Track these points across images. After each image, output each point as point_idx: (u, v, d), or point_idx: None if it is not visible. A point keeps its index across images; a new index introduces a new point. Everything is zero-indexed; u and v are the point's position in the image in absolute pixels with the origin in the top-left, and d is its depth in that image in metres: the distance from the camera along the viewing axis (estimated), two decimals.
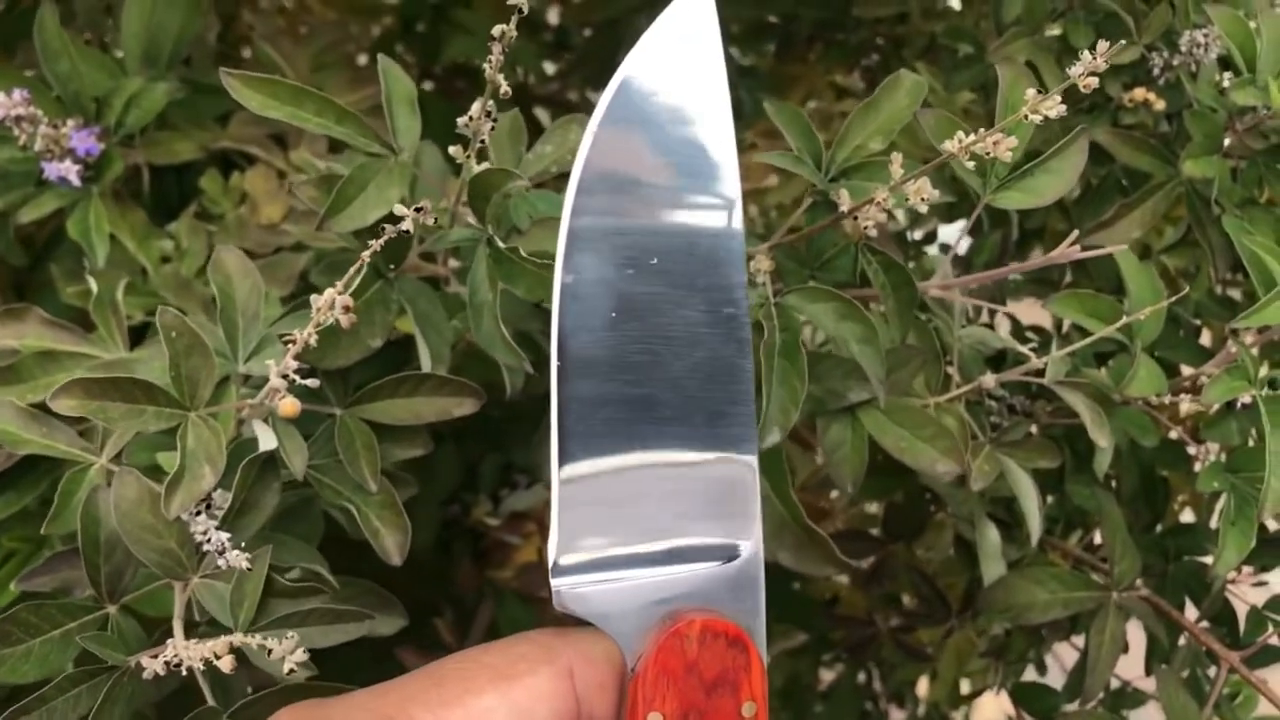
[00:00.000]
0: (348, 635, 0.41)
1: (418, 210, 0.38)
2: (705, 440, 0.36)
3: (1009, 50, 0.60)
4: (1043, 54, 0.61)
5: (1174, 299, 0.52)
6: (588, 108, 0.99)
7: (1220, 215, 0.55)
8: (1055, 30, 0.63)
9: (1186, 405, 0.52)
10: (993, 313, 0.68)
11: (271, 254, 0.58)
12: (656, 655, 0.34)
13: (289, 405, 0.41)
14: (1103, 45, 0.38)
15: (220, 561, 0.40)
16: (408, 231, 0.38)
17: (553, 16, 1.03)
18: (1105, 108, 0.61)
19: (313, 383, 0.41)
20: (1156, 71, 0.59)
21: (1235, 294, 0.69)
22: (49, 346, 0.50)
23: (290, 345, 0.39)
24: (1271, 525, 0.51)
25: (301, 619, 0.40)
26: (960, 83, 0.66)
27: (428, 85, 0.93)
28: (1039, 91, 0.41)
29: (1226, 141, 0.56)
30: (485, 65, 0.40)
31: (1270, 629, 0.59)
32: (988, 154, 0.41)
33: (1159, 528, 0.65)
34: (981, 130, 0.41)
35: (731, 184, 0.36)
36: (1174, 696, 0.56)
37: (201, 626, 0.43)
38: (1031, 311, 0.66)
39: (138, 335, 0.54)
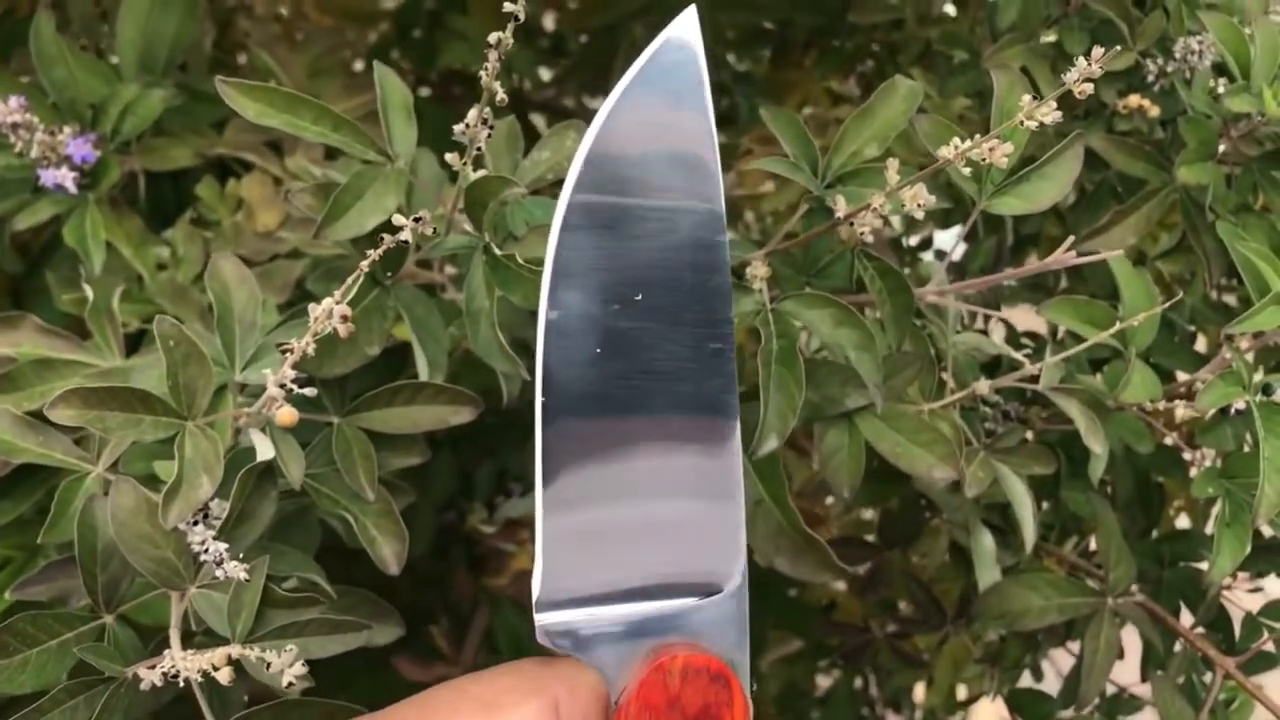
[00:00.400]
0: (345, 646, 0.41)
1: (416, 220, 0.38)
2: (690, 476, 0.37)
3: (1004, 56, 0.61)
4: (1038, 60, 0.61)
5: (1168, 305, 0.52)
6: (584, 113, 0.99)
7: (1215, 221, 0.55)
8: (1050, 37, 0.64)
9: (1181, 411, 0.53)
10: (987, 318, 0.68)
11: (268, 261, 0.58)
12: (639, 690, 0.35)
13: (286, 414, 0.41)
14: (1097, 51, 0.38)
15: (218, 571, 0.40)
16: (406, 240, 0.38)
17: (549, 22, 1.03)
18: (1100, 114, 0.61)
19: (310, 391, 0.41)
20: (1151, 78, 0.59)
21: (1230, 299, 0.69)
22: (45, 354, 0.50)
23: (288, 354, 0.39)
24: (1266, 531, 0.51)
25: (299, 629, 0.40)
26: (955, 89, 0.66)
27: (423, 91, 0.94)
28: (1034, 98, 0.41)
29: (1221, 148, 0.56)
30: (482, 73, 0.40)
31: (1266, 635, 0.59)
32: (983, 160, 0.41)
33: (1154, 533, 0.65)
34: (977, 136, 0.41)
35: (717, 220, 0.36)
36: (1170, 702, 0.56)
37: (198, 636, 0.42)
38: (1026, 317, 0.67)
39: (134, 343, 0.54)
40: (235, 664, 0.38)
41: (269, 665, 0.37)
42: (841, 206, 0.46)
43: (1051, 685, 0.72)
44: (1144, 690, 0.65)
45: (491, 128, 0.42)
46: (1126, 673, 0.65)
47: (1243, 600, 0.65)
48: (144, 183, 0.62)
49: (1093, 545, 0.68)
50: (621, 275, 0.36)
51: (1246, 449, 0.55)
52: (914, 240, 0.86)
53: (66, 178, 0.56)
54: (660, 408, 0.36)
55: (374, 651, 0.47)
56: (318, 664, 0.41)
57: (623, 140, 0.36)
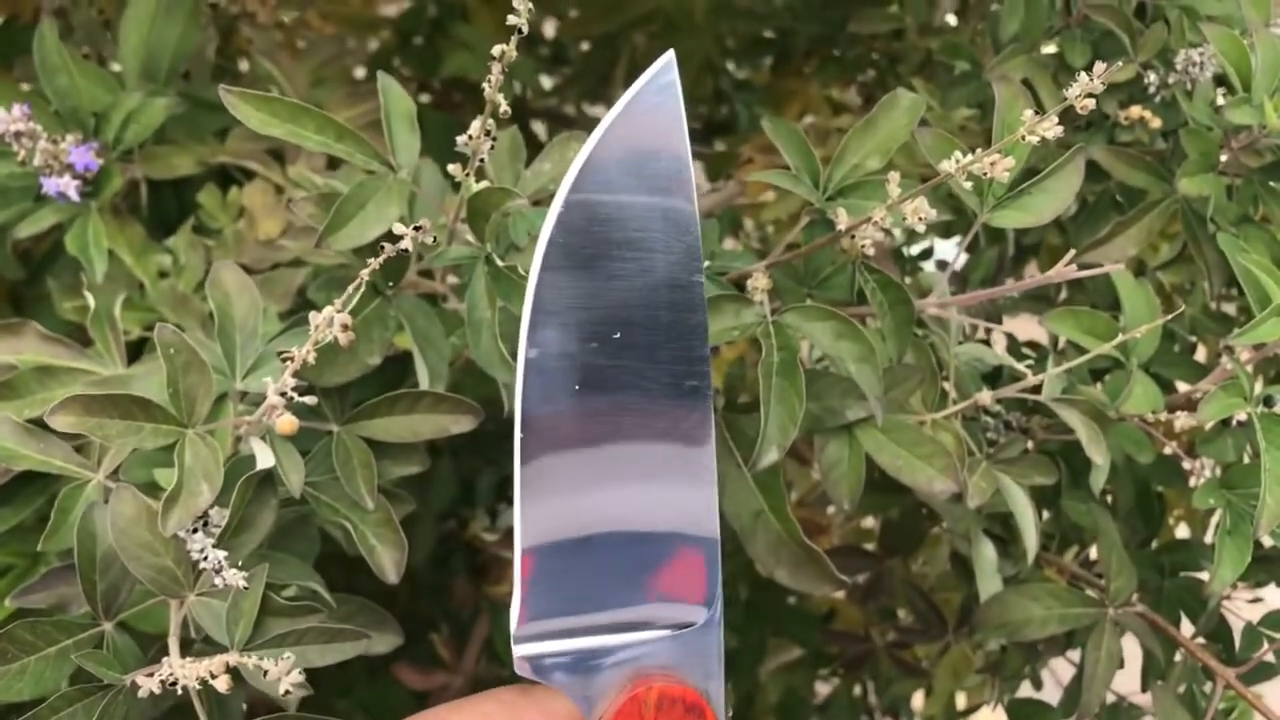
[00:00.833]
0: (344, 654, 0.41)
1: (417, 230, 0.38)
2: (667, 510, 0.37)
3: (1006, 68, 0.61)
4: (1039, 71, 0.61)
5: (1170, 317, 0.52)
6: (584, 121, 0.99)
7: (1216, 233, 0.55)
8: (1051, 48, 0.64)
9: (1181, 421, 0.53)
10: (989, 329, 0.68)
11: (269, 269, 0.58)
12: None
13: (287, 422, 0.41)
14: (1100, 66, 0.38)
15: (217, 579, 0.40)
16: (407, 250, 0.38)
17: (549, 30, 1.03)
18: (1102, 125, 0.61)
19: (310, 400, 0.41)
20: (1153, 89, 0.59)
21: (1229, 309, 0.69)
22: (46, 362, 0.50)
23: (289, 362, 0.39)
24: (1267, 542, 0.51)
25: (298, 637, 0.40)
26: (957, 100, 0.66)
27: (424, 98, 0.94)
28: (1036, 110, 0.41)
29: (1222, 159, 0.56)
30: (485, 85, 0.40)
31: (1266, 645, 0.59)
32: (985, 175, 0.41)
33: (1154, 544, 0.65)
34: (979, 150, 0.41)
35: (695, 260, 0.37)
36: (1170, 712, 0.56)
37: (197, 644, 0.42)
38: (1027, 327, 0.67)
39: (135, 351, 0.54)
40: (234, 672, 0.38)
41: (267, 673, 0.37)
42: (843, 219, 0.46)
43: (1050, 694, 0.72)
44: (1144, 700, 0.65)
45: (494, 139, 0.43)
46: (1127, 682, 0.65)
47: (1243, 610, 0.65)
48: (146, 191, 0.63)
49: (1093, 555, 0.68)
50: (600, 314, 0.36)
51: (1247, 460, 0.55)
52: (914, 250, 0.86)
53: (69, 186, 0.56)
54: (637, 444, 0.37)
55: (374, 659, 0.47)
56: (317, 671, 0.41)
57: (602, 181, 0.36)
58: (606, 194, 0.36)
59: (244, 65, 0.74)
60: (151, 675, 0.39)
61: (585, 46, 1.01)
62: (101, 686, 0.40)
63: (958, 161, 0.41)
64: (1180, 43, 0.59)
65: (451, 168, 0.44)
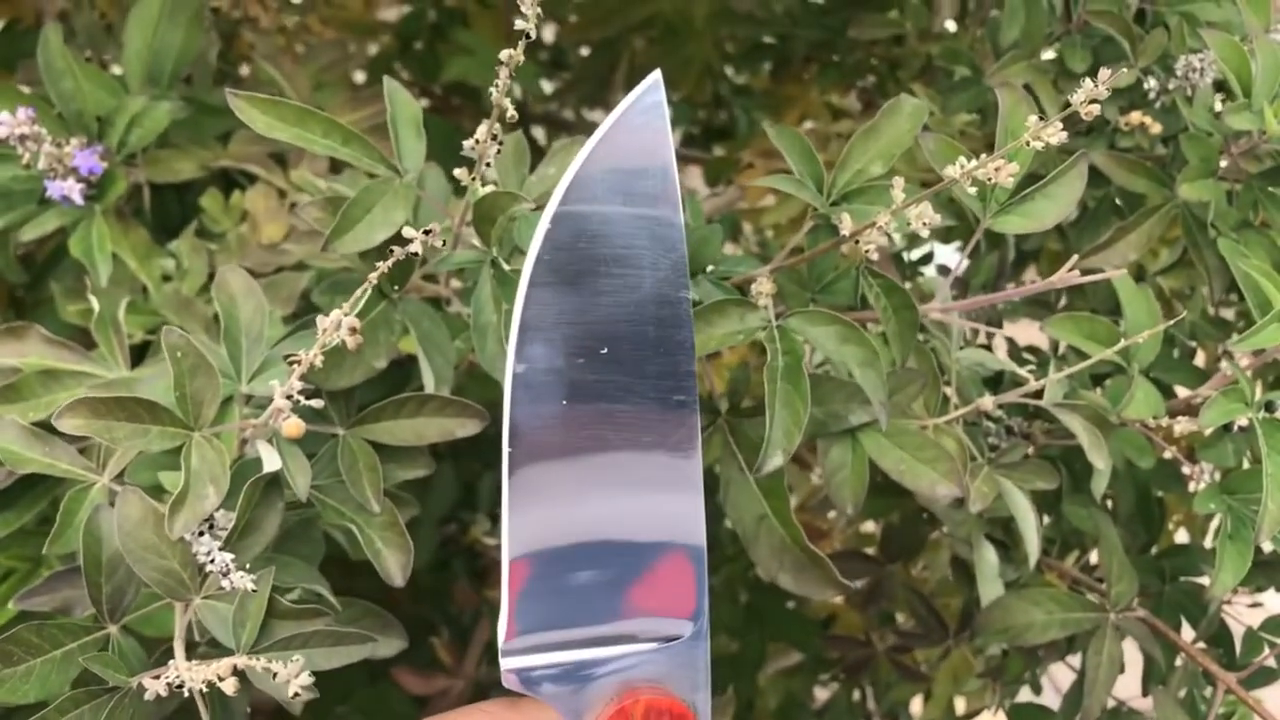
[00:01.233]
0: (350, 658, 0.41)
1: (426, 233, 0.38)
2: (654, 524, 0.37)
3: (1007, 74, 0.61)
4: (1040, 77, 0.61)
5: (1171, 323, 0.52)
6: (584, 127, 0.99)
7: (1216, 238, 0.56)
8: (1051, 54, 0.64)
9: (1182, 426, 0.53)
10: (990, 334, 0.68)
11: (272, 273, 0.58)
12: None
13: (293, 426, 0.41)
14: (1104, 72, 0.38)
15: (224, 582, 0.40)
16: (416, 253, 0.38)
17: (549, 35, 1.03)
18: (1102, 131, 0.61)
19: (316, 403, 0.41)
20: (1153, 95, 0.60)
21: (1228, 314, 0.69)
22: (50, 365, 0.50)
23: (295, 365, 0.39)
24: (1267, 547, 0.52)
25: (304, 641, 0.40)
26: (957, 105, 0.66)
27: (424, 103, 0.94)
28: (1038, 116, 0.41)
29: (1222, 164, 0.56)
30: (492, 89, 0.40)
31: (1266, 650, 0.59)
32: (989, 180, 0.42)
33: (1155, 549, 0.65)
34: (983, 156, 0.42)
35: (681, 277, 0.37)
36: (1171, 717, 0.56)
37: (201, 647, 0.42)
38: (1028, 332, 0.67)
39: (138, 354, 0.54)
40: (240, 675, 0.38)
41: (275, 675, 0.37)
42: (847, 224, 0.46)
43: (1050, 700, 0.72)
44: (1145, 705, 0.65)
45: (500, 143, 0.43)
46: (1128, 687, 0.65)
47: (1243, 615, 0.65)
48: (149, 195, 0.63)
49: (1094, 560, 0.68)
50: (587, 330, 0.37)
51: (1247, 465, 0.55)
52: (915, 255, 0.87)
53: (73, 189, 0.56)
54: (625, 458, 0.37)
55: (375, 663, 0.47)
56: (319, 676, 0.40)
57: (589, 199, 0.37)
58: (594, 211, 0.37)
59: (246, 70, 0.75)
60: (158, 678, 0.39)
61: (585, 51, 1.02)
62: (107, 689, 0.40)
63: (962, 166, 0.42)
64: (1180, 48, 0.59)
65: (458, 172, 0.44)
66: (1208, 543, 0.73)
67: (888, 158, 0.48)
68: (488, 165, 0.43)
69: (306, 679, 0.37)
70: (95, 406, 0.40)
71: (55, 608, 0.45)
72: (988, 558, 0.59)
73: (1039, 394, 0.53)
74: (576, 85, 1.02)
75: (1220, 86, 0.59)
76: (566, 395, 0.36)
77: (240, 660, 0.38)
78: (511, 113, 0.41)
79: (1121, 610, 0.57)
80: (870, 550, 0.74)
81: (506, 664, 0.37)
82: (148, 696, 0.39)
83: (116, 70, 0.64)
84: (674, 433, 0.37)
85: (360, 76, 0.86)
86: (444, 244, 0.46)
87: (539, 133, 1.01)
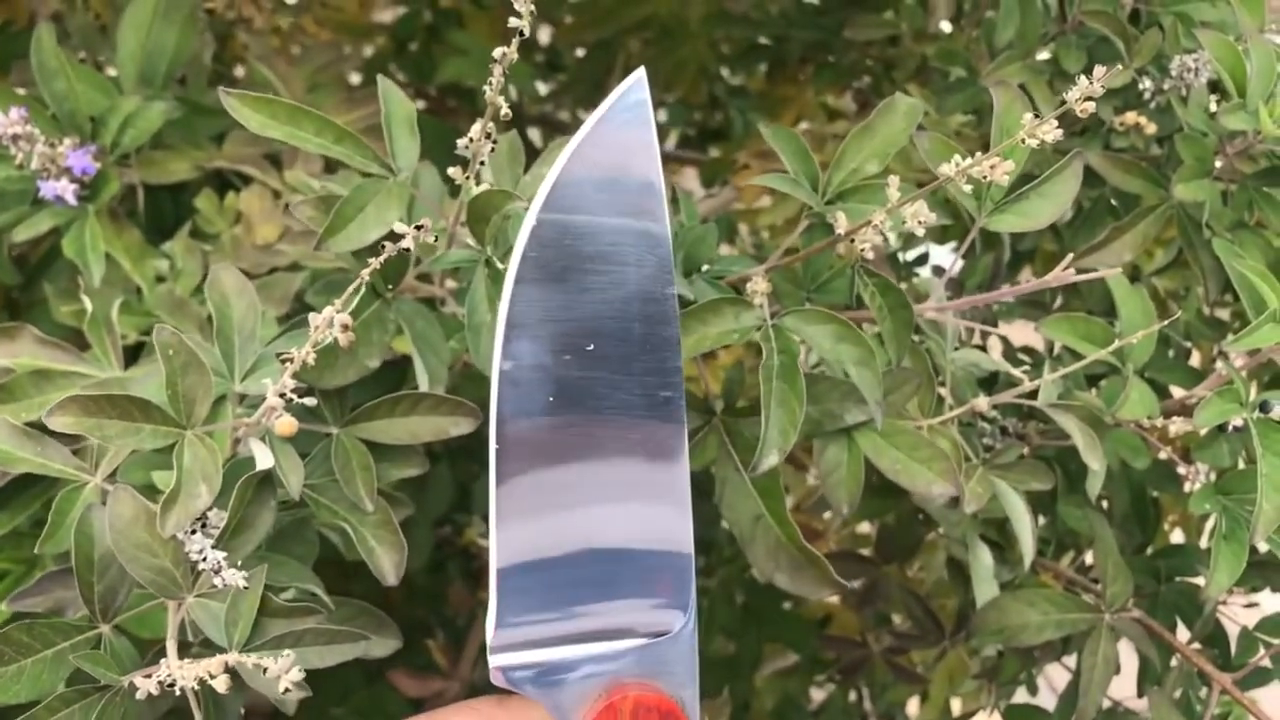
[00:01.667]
0: (343, 656, 0.41)
1: (419, 229, 0.38)
2: (642, 522, 0.37)
3: (1002, 74, 0.61)
4: (1035, 77, 0.61)
5: (1165, 323, 0.52)
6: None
7: (1211, 238, 0.56)
8: (1046, 54, 0.64)
9: (1177, 426, 0.53)
10: (985, 334, 0.68)
11: (267, 274, 0.58)
12: None
13: (286, 424, 0.41)
14: (1099, 70, 0.38)
15: (216, 581, 0.40)
16: (408, 250, 0.38)
17: (544, 36, 1.03)
18: (1097, 131, 0.61)
19: (310, 401, 0.41)
20: (1148, 95, 0.60)
21: (1223, 314, 0.69)
22: (43, 365, 0.50)
23: (288, 364, 0.39)
24: (1262, 547, 0.52)
25: (297, 639, 0.40)
26: (952, 105, 0.67)
27: (419, 104, 0.94)
28: (1034, 115, 0.41)
29: (1217, 165, 0.56)
30: (486, 88, 0.40)
31: (1262, 650, 0.59)
32: (984, 178, 0.41)
33: (1150, 549, 0.65)
34: (978, 154, 0.42)
35: (666, 274, 0.38)
36: (1166, 718, 0.56)
37: (194, 646, 0.42)
38: (1023, 332, 0.67)
39: (132, 355, 0.54)
40: (232, 673, 0.38)
41: (266, 671, 0.37)
42: (842, 223, 0.46)
43: (1046, 700, 0.72)
44: (1140, 705, 0.65)
45: (495, 142, 0.43)
46: (1123, 688, 0.65)
47: (1238, 615, 0.65)
48: (143, 195, 0.62)
49: (1089, 560, 0.68)
50: (573, 327, 0.37)
51: (1242, 465, 0.55)
52: (910, 256, 0.87)
53: (66, 189, 0.56)
54: (612, 455, 0.37)
55: (370, 663, 0.46)
56: (315, 676, 0.40)
57: (574, 196, 0.37)
58: (578, 209, 0.37)
59: (240, 71, 0.74)
60: (149, 676, 0.39)
61: (580, 53, 1.02)
62: (99, 688, 0.40)
63: (957, 164, 0.42)
64: (1175, 49, 0.59)
65: (452, 171, 0.44)
66: (1203, 543, 0.73)
67: (883, 157, 0.48)
68: (482, 164, 0.43)
69: (297, 674, 0.37)
70: (86, 404, 0.40)
71: (48, 609, 0.45)
72: (983, 558, 0.59)
73: (1034, 394, 0.53)
74: (572, 87, 1.02)
75: (1215, 87, 0.59)
76: (553, 392, 0.36)
77: (232, 658, 0.38)
78: (506, 111, 0.41)
79: (1117, 611, 0.57)
80: (866, 551, 0.74)
81: (494, 661, 0.36)
82: (139, 695, 0.39)
83: (111, 71, 0.64)
84: (661, 429, 0.37)
85: (355, 78, 0.85)
86: (437, 240, 0.46)
87: (534, 134, 1.01)
